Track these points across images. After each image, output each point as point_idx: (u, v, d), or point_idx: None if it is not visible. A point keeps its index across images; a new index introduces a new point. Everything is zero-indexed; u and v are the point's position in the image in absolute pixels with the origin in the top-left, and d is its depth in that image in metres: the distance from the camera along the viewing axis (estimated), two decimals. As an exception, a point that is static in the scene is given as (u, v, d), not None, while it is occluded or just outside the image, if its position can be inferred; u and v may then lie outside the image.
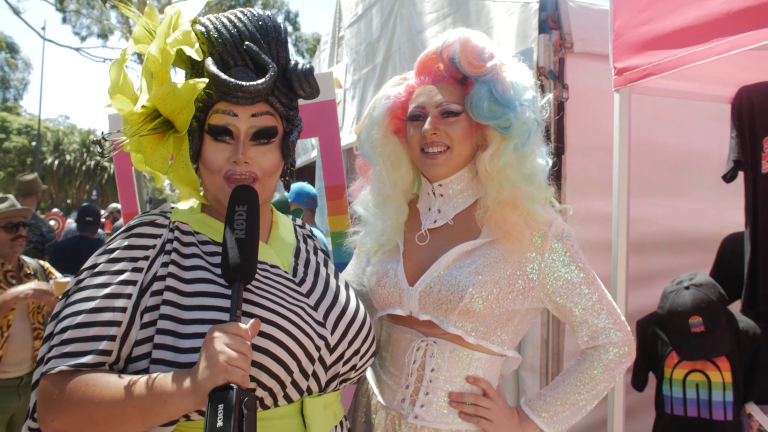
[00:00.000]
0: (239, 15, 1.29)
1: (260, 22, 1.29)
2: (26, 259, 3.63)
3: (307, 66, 1.31)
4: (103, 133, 1.30)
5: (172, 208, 1.36)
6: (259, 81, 1.24)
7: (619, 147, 2.32)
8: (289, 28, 26.52)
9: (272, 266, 1.32)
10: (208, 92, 1.25)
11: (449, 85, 1.53)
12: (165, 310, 1.18)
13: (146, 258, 1.24)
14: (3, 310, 3.16)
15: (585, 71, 2.84)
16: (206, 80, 1.22)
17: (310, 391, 1.26)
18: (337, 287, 1.43)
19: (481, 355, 1.51)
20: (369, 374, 1.66)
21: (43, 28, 25.57)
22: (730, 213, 3.18)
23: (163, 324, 1.17)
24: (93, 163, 30.41)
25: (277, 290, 1.27)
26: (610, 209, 2.37)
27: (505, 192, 1.46)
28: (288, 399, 1.23)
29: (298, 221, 1.59)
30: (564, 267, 1.49)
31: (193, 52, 1.23)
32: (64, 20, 23.90)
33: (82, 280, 1.21)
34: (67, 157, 30.31)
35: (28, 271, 3.53)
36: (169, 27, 1.24)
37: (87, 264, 1.24)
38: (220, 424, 0.99)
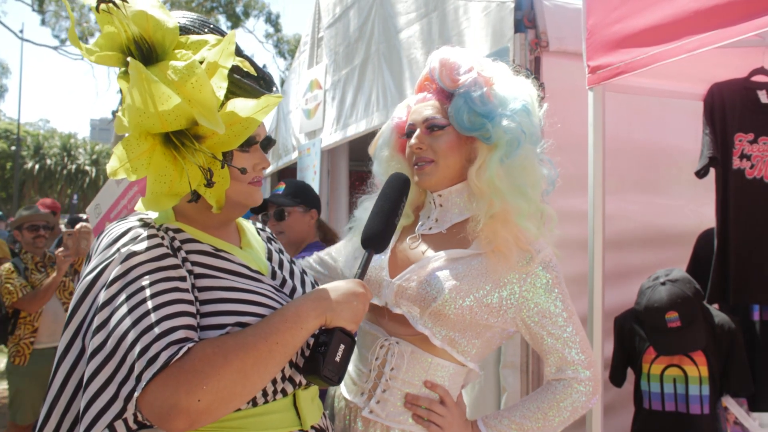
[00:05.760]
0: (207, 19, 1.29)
1: None
2: (51, 250, 4.56)
3: None
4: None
5: (143, 217, 1.30)
6: (276, 90, 1.28)
7: (593, 144, 2.34)
8: (271, 30, 26.34)
9: (255, 271, 1.33)
10: None
11: (437, 101, 1.60)
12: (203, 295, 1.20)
13: (173, 255, 1.21)
14: (50, 290, 4.15)
15: (561, 70, 2.85)
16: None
17: (300, 384, 1.31)
18: (312, 285, 1.49)
19: (441, 361, 1.52)
20: None
21: (21, 31, 25.23)
22: (706, 209, 3.21)
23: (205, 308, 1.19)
24: (74, 167, 30.10)
25: (268, 294, 1.29)
26: (587, 206, 2.38)
27: (496, 206, 1.48)
28: (284, 393, 1.27)
29: (258, 225, 1.60)
30: (544, 294, 1.50)
31: (244, 67, 1.22)
32: (43, 22, 23.65)
33: (123, 290, 1.12)
34: (48, 161, 29.95)
35: (53, 259, 4.41)
36: (230, 43, 1.15)
37: (115, 273, 1.14)
38: (337, 359, 1.24)
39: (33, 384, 4.19)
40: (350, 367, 1.62)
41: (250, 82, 1.25)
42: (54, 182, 29.78)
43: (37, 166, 29.51)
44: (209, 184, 1.16)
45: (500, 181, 1.49)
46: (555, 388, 1.53)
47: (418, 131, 1.59)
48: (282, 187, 3.18)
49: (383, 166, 1.74)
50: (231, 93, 1.18)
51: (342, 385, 1.63)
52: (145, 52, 1.12)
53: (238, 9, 24.37)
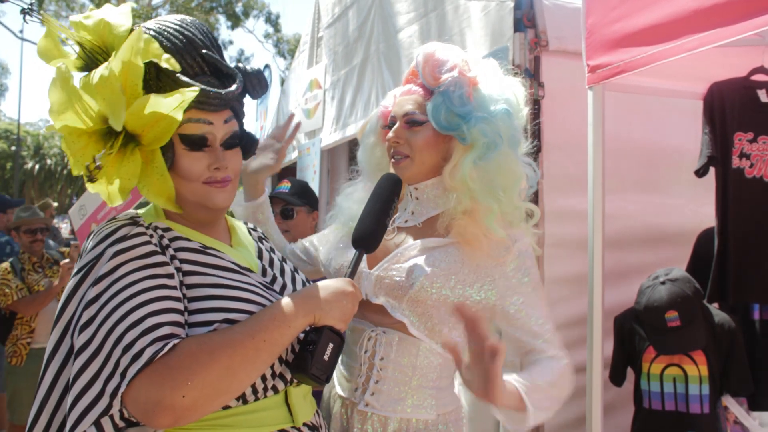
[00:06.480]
0: (181, 21, 1.27)
1: (204, 29, 1.29)
2: (50, 251, 4.68)
3: (257, 67, 1.34)
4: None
5: (133, 216, 1.31)
6: (233, 88, 1.25)
7: (593, 144, 2.34)
8: (270, 30, 26.37)
9: (244, 268, 1.33)
10: None
11: (420, 96, 1.60)
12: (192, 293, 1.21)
13: (161, 252, 1.21)
14: (49, 297, 4.26)
15: (560, 69, 2.85)
16: (197, 88, 1.17)
17: (292, 381, 1.30)
18: (303, 282, 1.49)
19: (430, 345, 1.53)
20: None
21: (21, 31, 25.24)
22: (706, 208, 3.20)
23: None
24: (74, 167, 30.04)
25: (256, 291, 1.29)
26: (587, 206, 2.38)
27: (463, 204, 1.50)
28: (275, 390, 1.27)
29: (250, 224, 1.61)
30: (520, 281, 1.52)
31: (167, 64, 1.20)
32: (43, 23, 23.65)
33: (110, 287, 1.13)
34: (48, 161, 29.92)
35: (51, 260, 4.55)
36: (138, 41, 1.16)
37: (103, 271, 1.15)
38: (326, 358, 1.24)
39: (31, 384, 4.16)
40: (341, 366, 1.63)
41: (173, 78, 1.21)
42: (54, 182, 29.77)
43: (37, 166, 29.48)
44: (90, 179, 1.18)
45: (472, 182, 1.50)
46: (545, 361, 1.49)
47: (397, 124, 1.60)
48: (287, 185, 3.17)
49: (367, 152, 1.76)
50: (159, 89, 1.19)
51: (336, 384, 1.63)
52: (93, 58, 1.18)
53: (238, 9, 24.38)
